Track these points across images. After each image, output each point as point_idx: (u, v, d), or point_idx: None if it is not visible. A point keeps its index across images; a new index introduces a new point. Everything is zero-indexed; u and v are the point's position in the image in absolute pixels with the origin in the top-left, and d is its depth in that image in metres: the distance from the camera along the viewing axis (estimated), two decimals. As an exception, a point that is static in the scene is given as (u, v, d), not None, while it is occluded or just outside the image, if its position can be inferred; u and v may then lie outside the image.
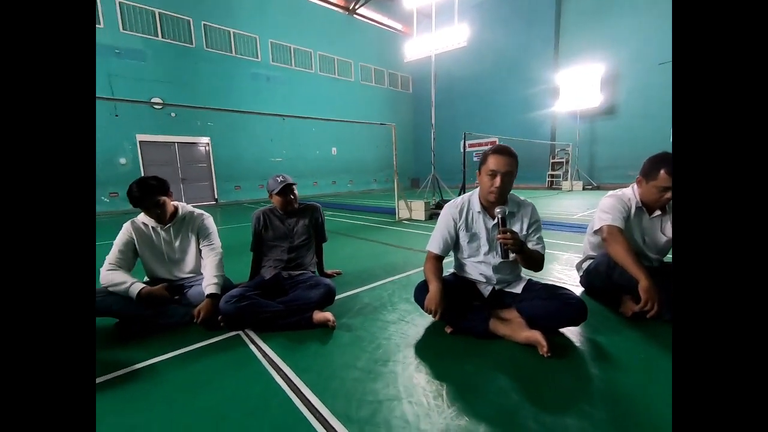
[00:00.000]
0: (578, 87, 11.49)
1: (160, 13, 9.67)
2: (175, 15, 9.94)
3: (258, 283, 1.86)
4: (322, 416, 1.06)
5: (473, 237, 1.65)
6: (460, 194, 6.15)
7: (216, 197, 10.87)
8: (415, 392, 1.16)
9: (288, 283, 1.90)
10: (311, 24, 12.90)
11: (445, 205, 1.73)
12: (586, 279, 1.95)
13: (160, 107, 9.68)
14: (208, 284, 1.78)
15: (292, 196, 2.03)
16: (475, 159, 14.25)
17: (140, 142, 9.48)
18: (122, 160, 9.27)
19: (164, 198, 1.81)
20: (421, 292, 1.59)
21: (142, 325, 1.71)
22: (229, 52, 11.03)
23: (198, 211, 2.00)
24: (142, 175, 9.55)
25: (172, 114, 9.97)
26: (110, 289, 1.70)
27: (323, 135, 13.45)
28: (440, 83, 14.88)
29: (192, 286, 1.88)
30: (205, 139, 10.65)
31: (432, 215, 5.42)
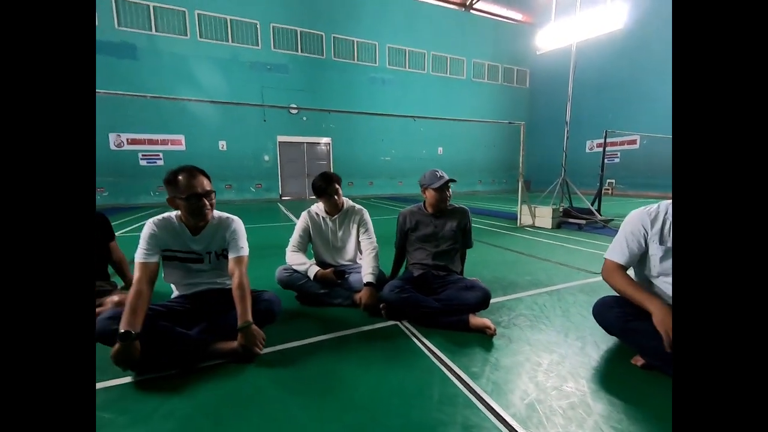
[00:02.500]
0: None
1: (300, 32, 11.24)
2: (312, 31, 11.39)
3: (408, 278, 1.93)
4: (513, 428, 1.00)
5: (668, 253, 1.34)
6: (594, 202, 5.30)
7: (332, 192, 12.09)
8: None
9: (437, 282, 1.91)
10: (426, 25, 13.05)
11: (634, 210, 1.45)
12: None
13: (295, 112, 11.29)
14: (366, 273, 1.93)
15: (448, 194, 2.02)
16: (616, 161, 12.18)
17: (280, 142, 11.26)
18: (266, 157, 11.17)
19: (339, 188, 2.05)
20: (609, 309, 1.38)
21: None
22: (352, 60, 12.07)
23: (358, 206, 2.20)
24: (279, 170, 11.34)
25: (304, 118, 11.50)
26: (294, 267, 2.01)
27: (430, 135, 13.51)
28: (563, 76, 13.17)
29: (351, 272, 2.08)
30: (327, 140, 11.95)
31: (560, 224, 4.82)
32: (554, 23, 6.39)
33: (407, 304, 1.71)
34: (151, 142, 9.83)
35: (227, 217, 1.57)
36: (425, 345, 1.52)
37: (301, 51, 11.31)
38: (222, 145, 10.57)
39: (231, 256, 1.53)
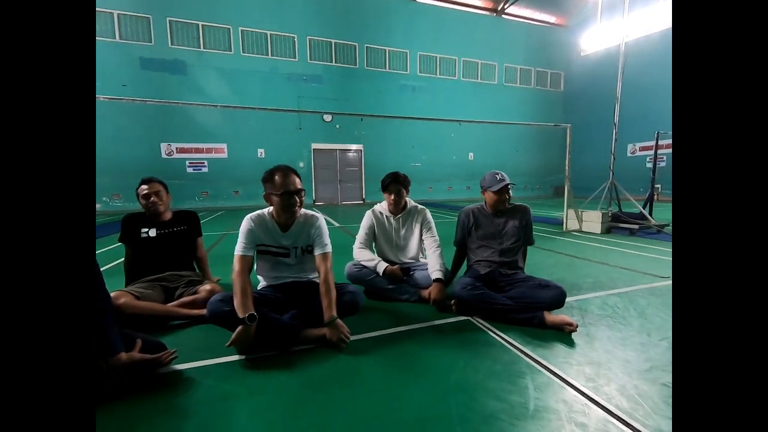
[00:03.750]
0: None
1: (335, 43, 11.66)
2: (346, 42, 11.79)
3: (476, 276, 1.97)
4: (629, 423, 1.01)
5: None
6: (646, 206, 5.05)
7: (363, 197, 12.31)
8: None
9: (505, 280, 1.94)
10: (457, 32, 13.11)
11: None
12: None
13: (329, 119, 11.67)
14: (434, 270, 2.00)
15: (507, 196, 2.06)
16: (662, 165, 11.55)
17: (314, 149, 11.65)
18: (301, 164, 11.58)
19: (404, 189, 2.14)
20: None
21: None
22: (384, 68, 12.33)
23: (421, 206, 2.28)
24: (313, 176, 11.70)
25: (337, 126, 11.85)
26: (362, 263, 2.11)
27: (461, 141, 13.45)
28: (603, 78, 12.76)
29: (416, 270, 2.15)
30: (359, 146, 12.22)
31: (610, 229, 4.64)
32: (600, 24, 6.23)
33: (480, 301, 1.75)
34: (197, 150, 10.51)
35: (312, 215, 1.69)
36: (503, 338, 1.55)
37: (335, 61, 11.72)
38: (261, 152, 11.10)
39: (317, 252, 1.64)
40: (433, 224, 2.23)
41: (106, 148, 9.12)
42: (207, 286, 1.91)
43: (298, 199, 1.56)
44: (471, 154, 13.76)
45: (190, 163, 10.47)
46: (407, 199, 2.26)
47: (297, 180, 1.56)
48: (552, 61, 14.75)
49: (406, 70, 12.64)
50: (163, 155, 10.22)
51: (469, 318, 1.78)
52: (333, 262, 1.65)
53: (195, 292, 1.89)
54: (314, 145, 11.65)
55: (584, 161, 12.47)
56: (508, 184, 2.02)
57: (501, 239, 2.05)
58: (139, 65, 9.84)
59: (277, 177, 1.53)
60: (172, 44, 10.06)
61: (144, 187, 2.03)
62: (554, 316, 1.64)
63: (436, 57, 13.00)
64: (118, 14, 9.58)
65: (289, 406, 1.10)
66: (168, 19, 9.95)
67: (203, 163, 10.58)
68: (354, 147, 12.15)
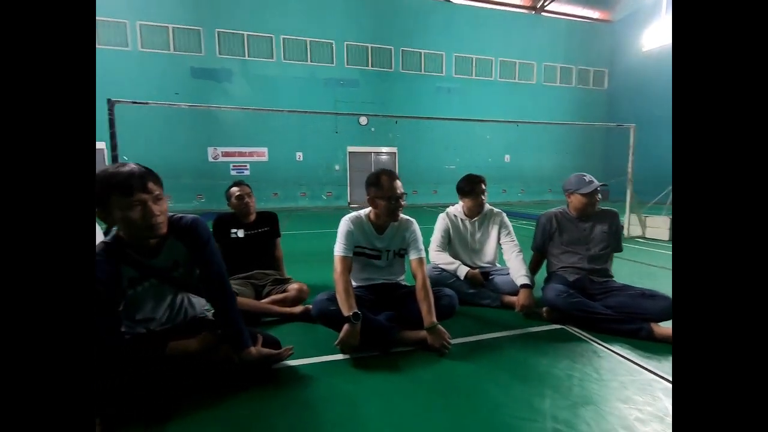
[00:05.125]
0: None
1: (371, 47, 11.81)
2: (382, 46, 11.90)
3: (564, 282, 1.89)
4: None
5: None
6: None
7: (397, 200, 12.32)
8: None
9: (597, 288, 1.85)
10: (494, 32, 12.85)
11: None
12: None
13: (365, 122, 11.82)
14: (519, 275, 1.95)
15: (596, 199, 1.97)
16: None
17: (349, 152, 11.84)
18: (336, 167, 11.80)
19: (485, 189, 2.11)
20: None
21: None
22: (419, 71, 12.32)
23: (497, 209, 2.23)
24: (348, 179, 11.89)
25: (372, 129, 11.97)
26: (441, 266, 2.10)
27: (497, 142, 13.14)
28: (655, 75, 12.03)
29: (495, 274, 2.11)
30: (393, 149, 12.26)
31: (678, 235, 4.32)
32: (665, 17, 5.87)
33: (576, 309, 1.68)
34: (240, 154, 11.00)
35: (407, 219, 1.70)
36: (612, 350, 1.48)
37: (371, 65, 11.86)
38: (299, 155, 11.43)
39: (413, 256, 1.65)
40: (511, 227, 2.18)
41: (158, 152, 9.77)
42: (295, 285, 1.98)
43: (401, 203, 1.58)
44: (507, 156, 13.40)
45: (233, 166, 10.97)
46: (486, 203, 2.22)
47: (400, 184, 1.58)
48: (594, 58, 14.07)
49: (442, 72, 12.55)
50: (210, 159, 10.78)
51: (563, 326, 1.72)
52: None
53: (284, 291, 1.96)
54: (350, 148, 11.83)
55: (635, 162, 11.73)
56: (598, 187, 1.93)
57: (588, 245, 1.96)
58: (190, 74, 10.47)
59: (384, 181, 1.56)
60: (219, 54, 10.62)
61: (236, 189, 2.15)
62: (665, 329, 1.54)
63: (472, 58, 12.81)
64: (173, 28, 10.26)
65: (415, 410, 1.11)
66: (216, 30, 10.53)
67: (245, 166, 11.05)
68: (388, 149, 12.21)
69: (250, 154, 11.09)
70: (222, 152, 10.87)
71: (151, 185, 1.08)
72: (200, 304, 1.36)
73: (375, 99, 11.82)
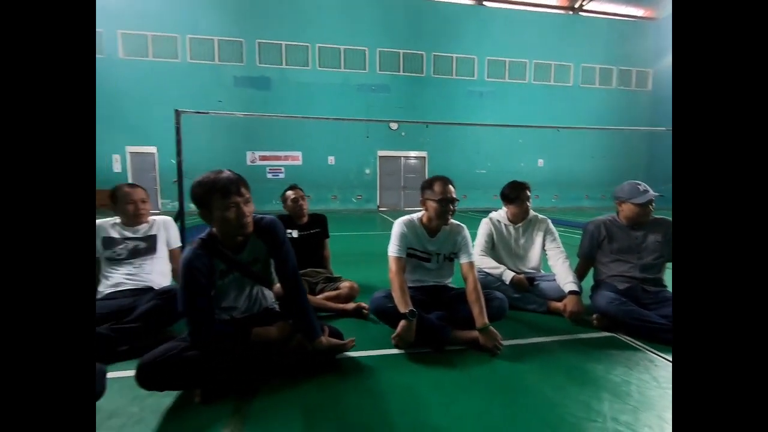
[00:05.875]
0: None
1: (403, 53, 11.97)
2: (414, 52, 12.03)
3: (615, 290, 1.88)
4: None
5: None
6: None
7: (426, 204, 12.33)
8: None
9: (649, 298, 1.82)
10: (528, 34, 12.59)
11: None
12: None
13: (395, 127, 11.96)
14: (567, 282, 1.95)
15: (650, 209, 1.94)
16: None
17: (380, 156, 12.03)
18: (367, 171, 12.02)
19: (529, 194, 2.14)
20: None
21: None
22: (450, 75, 12.31)
23: (542, 216, 2.25)
24: (378, 183, 12.06)
25: (403, 133, 12.09)
26: (486, 270, 2.14)
27: (530, 146, 12.81)
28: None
29: (540, 280, 2.12)
30: (423, 153, 12.31)
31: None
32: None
33: (630, 317, 1.67)
34: (276, 158, 11.51)
35: (458, 224, 1.78)
36: (666, 359, 1.46)
37: (403, 71, 12.01)
38: (331, 159, 11.77)
39: (464, 260, 1.72)
40: (557, 234, 2.19)
41: (201, 156, 10.43)
42: (347, 283, 2.11)
43: (452, 207, 1.66)
44: (540, 161, 13.01)
45: (270, 169, 11.49)
46: (531, 209, 2.25)
47: (453, 189, 1.66)
48: (638, 58, 13.38)
49: (474, 76, 12.46)
50: (248, 162, 11.37)
51: (614, 334, 1.71)
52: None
53: (336, 288, 2.09)
54: (380, 152, 12.02)
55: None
56: (653, 197, 1.90)
57: (640, 254, 1.92)
58: (233, 83, 11.13)
59: (436, 185, 1.65)
60: (259, 63, 11.21)
61: (291, 192, 2.32)
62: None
63: (506, 61, 12.61)
64: (218, 40, 10.97)
65: (473, 403, 1.18)
66: (257, 41, 11.13)
67: (281, 169, 11.54)
68: (418, 154, 12.27)
69: (285, 158, 11.57)
70: (259, 156, 11.43)
71: (243, 189, 1.24)
72: (270, 297, 1.51)
73: (406, 104, 11.95)
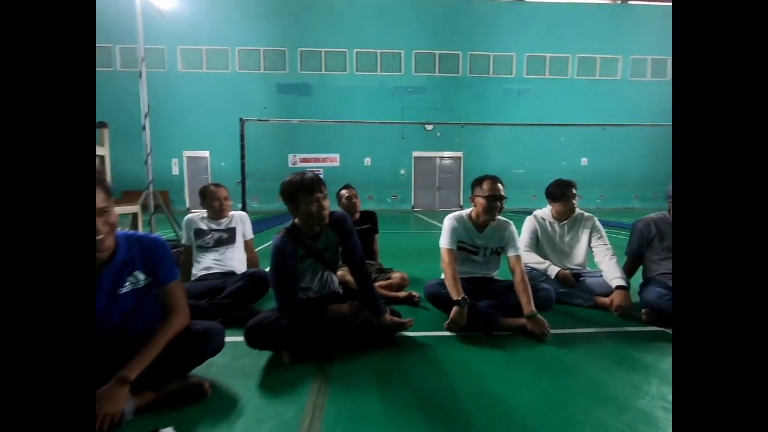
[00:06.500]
0: None
1: (439, 54, 12.02)
2: (449, 52, 12.04)
3: (665, 287, 1.89)
4: None
5: None
6: None
7: (461, 204, 12.26)
8: None
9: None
10: (571, 27, 12.09)
11: None
12: None
13: (430, 128, 12.04)
14: (615, 277, 1.99)
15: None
16: None
17: (415, 157, 12.17)
18: (402, 171, 12.22)
19: (575, 192, 2.20)
20: None
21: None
22: (487, 74, 12.16)
23: (588, 213, 2.29)
24: (413, 183, 12.19)
25: (438, 134, 12.14)
26: (531, 265, 2.23)
27: (572, 144, 12.28)
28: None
29: (587, 276, 2.17)
30: (459, 153, 12.26)
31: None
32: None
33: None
34: (315, 160, 12.07)
35: (504, 220, 1.90)
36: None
37: (439, 72, 12.07)
38: (367, 161, 12.11)
39: (511, 254, 1.84)
40: (603, 232, 2.22)
41: (247, 158, 11.20)
42: (398, 274, 2.30)
43: (499, 204, 1.79)
44: (584, 159, 12.43)
45: (309, 171, 12.07)
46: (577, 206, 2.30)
47: (502, 187, 1.79)
48: (697, 46, 12.33)
49: (512, 74, 12.20)
50: (289, 164, 12.03)
51: (663, 329, 1.74)
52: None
53: (388, 278, 2.29)
54: (415, 153, 12.16)
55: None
56: None
57: (693, 252, 1.92)
58: (276, 90, 11.85)
59: (485, 183, 1.79)
60: (300, 70, 11.84)
61: (345, 191, 2.56)
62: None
63: (546, 57, 12.21)
64: (263, 50, 11.74)
65: (527, 379, 1.31)
66: (299, 49, 11.76)
67: (320, 171, 12.06)
68: (453, 154, 12.25)
69: (324, 160, 12.09)
70: (300, 158, 12.05)
71: (322, 187, 1.47)
72: (336, 281, 1.73)
73: (441, 104, 11.99)
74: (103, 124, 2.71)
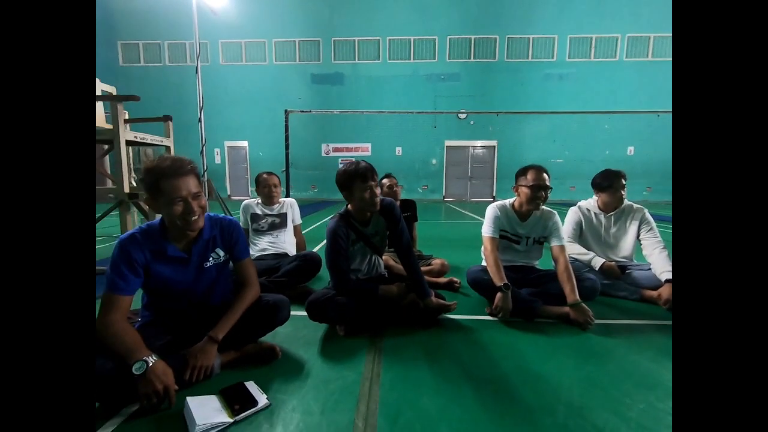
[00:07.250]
0: None
1: (474, 39, 11.62)
2: (485, 37, 11.59)
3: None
4: None
5: None
6: None
7: (494, 195, 11.99)
8: None
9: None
10: (621, 4, 11.16)
11: None
12: None
13: (464, 117, 11.78)
14: (664, 271, 1.94)
15: None
16: None
17: (447, 146, 12.00)
18: (433, 161, 12.11)
19: (624, 183, 2.14)
20: None
21: None
22: (526, 58, 11.60)
23: (637, 205, 2.22)
24: (445, 173, 12.05)
25: (471, 122, 11.85)
26: (574, 256, 2.22)
27: (618, 132, 11.50)
28: None
29: (633, 269, 2.13)
30: (493, 142, 11.92)
31: None
32: None
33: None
34: (347, 149, 12.27)
35: (549, 211, 1.91)
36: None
37: (474, 57, 11.69)
38: (398, 150, 12.12)
39: (555, 243, 1.85)
40: (654, 224, 2.15)
41: (282, 148, 11.65)
42: (438, 261, 2.38)
43: (544, 194, 1.80)
44: (631, 149, 11.61)
45: (341, 160, 12.29)
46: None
47: (547, 177, 1.80)
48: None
49: (553, 57, 11.55)
50: (322, 154, 12.33)
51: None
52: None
53: (429, 264, 2.38)
54: (447, 142, 11.98)
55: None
56: None
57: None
58: (311, 80, 12.09)
59: (530, 173, 1.80)
60: (334, 60, 11.97)
61: (386, 180, 2.66)
62: None
63: (591, 38, 11.40)
64: (299, 41, 11.97)
65: (571, 362, 1.35)
66: (332, 39, 11.87)
67: (351, 160, 12.28)
68: (486, 143, 11.93)
69: (356, 149, 12.26)
70: (332, 148, 12.31)
71: (374, 176, 1.57)
72: (382, 265, 1.84)
73: (476, 92, 11.66)
74: (168, 118, 2.99)
